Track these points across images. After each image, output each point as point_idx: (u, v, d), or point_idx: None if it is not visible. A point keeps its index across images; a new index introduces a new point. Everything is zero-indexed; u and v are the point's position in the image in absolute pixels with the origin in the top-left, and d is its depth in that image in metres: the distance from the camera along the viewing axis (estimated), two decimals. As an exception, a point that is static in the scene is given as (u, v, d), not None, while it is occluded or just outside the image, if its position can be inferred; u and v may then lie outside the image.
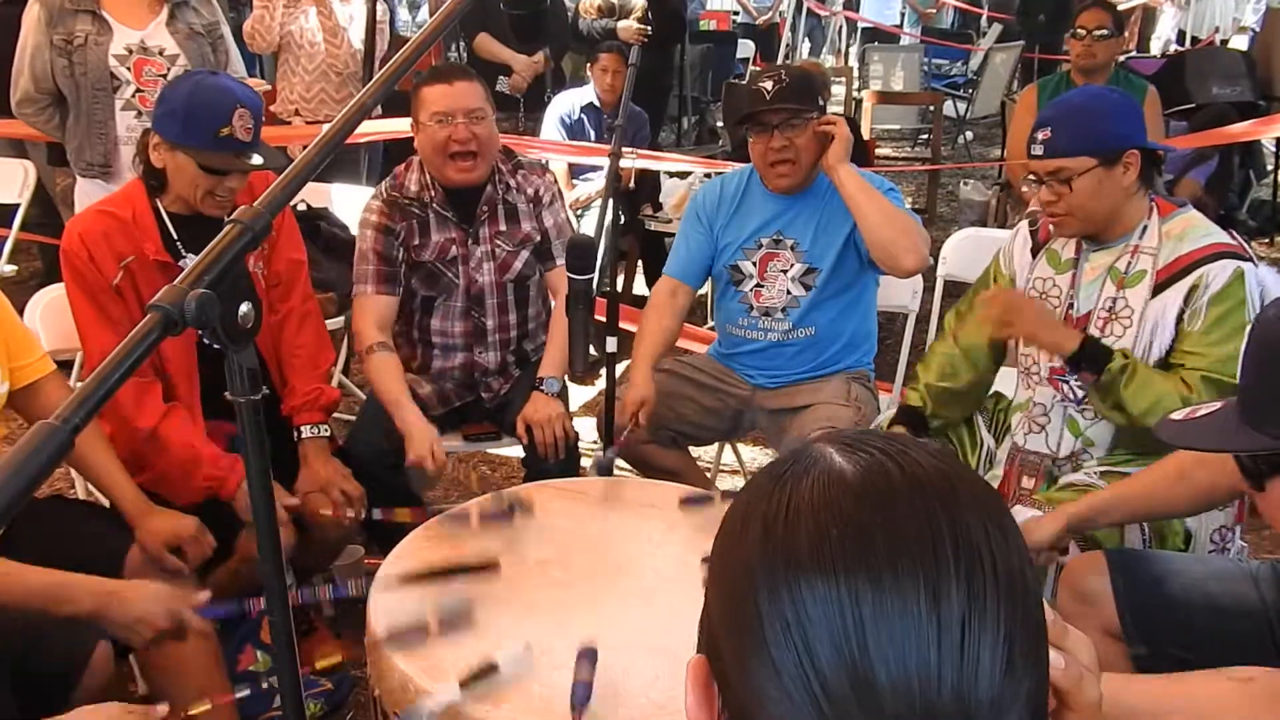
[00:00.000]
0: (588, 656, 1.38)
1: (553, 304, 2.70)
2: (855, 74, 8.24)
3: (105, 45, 2.99)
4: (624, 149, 2.38)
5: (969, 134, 8.51)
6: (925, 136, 7.98)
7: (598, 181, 4.38)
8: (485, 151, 2.48)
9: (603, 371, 2.35)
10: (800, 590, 0.56)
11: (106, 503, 2.07)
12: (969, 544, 0.57)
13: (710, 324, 3.63)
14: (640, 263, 4.89)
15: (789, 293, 2.59)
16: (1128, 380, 1.95)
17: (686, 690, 0.63)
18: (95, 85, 3.01)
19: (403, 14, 5.69)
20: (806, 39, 10.11)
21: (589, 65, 4.76)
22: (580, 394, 3.91)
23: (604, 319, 2.26)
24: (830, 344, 2.63)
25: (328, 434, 2.31)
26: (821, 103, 2.60)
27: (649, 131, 5.02)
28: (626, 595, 1.65)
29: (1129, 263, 2.04)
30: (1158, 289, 1.99)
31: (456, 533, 1.85)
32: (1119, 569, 1.78)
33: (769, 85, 2.45)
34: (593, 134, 4.56)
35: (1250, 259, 1.95)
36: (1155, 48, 9.64)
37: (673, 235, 2.98)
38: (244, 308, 0.85)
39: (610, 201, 2.25)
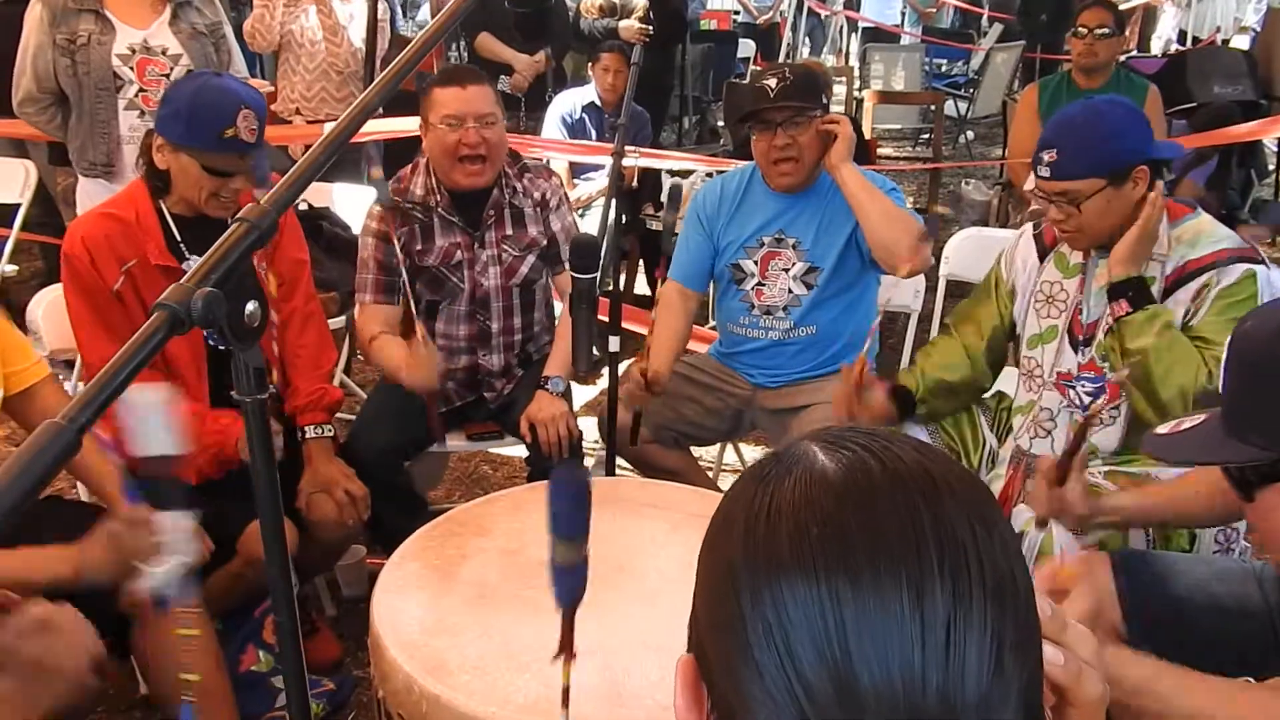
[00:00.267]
0: (570, 529, 1.02)
1: (557, 307, 2.70)
2: (856, 73, 8.23)
3: (108, 45, 2.99)
4: (626, 148, 2.38)
5: (970, 133, 8.51)
6: (926, 136, 7.97)
7: (599, 181, 4.37)
8: (494, 157, 2.48)
9: (605, 371, 2.34)
10: (781, 591, 0.55)
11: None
12: (953, 541, 0.55)
13: (711, 323, 3.62)
14: (641, 262, 4.89)
15: (790, 291, 2.59)
16: (1163, 329, 1.89)
17: (676, 690, 0.62)
18: (98, 85, 3.00)
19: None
20: (807, 38, 10.10)
21: (590, 65, 4.76)
22: (583, 393, 3.91)
23: (606, 318, 2.26)
24: (831, 343, 2.62)
25: (331, 434, 2.31)
26: (825, 101, 2.60)
27: (651, 131, 5.02)
28: (629, 596, 1.65)
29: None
30: (1166, 293, 1.98)
31: (458, 533, 1.85)
32: (1123, 569, 1.78)
33: (773, 83, 2.45)
34: (594, 133, 4.56)
35: (1263, 261, 1.94)
36: (1156, 47, 9.63)
37: (674, 235, 2.97)
38: (250, 306, 0.85)
39: (613, 201, 2.25)
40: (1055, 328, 2.16)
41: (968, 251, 3.00)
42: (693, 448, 2.84)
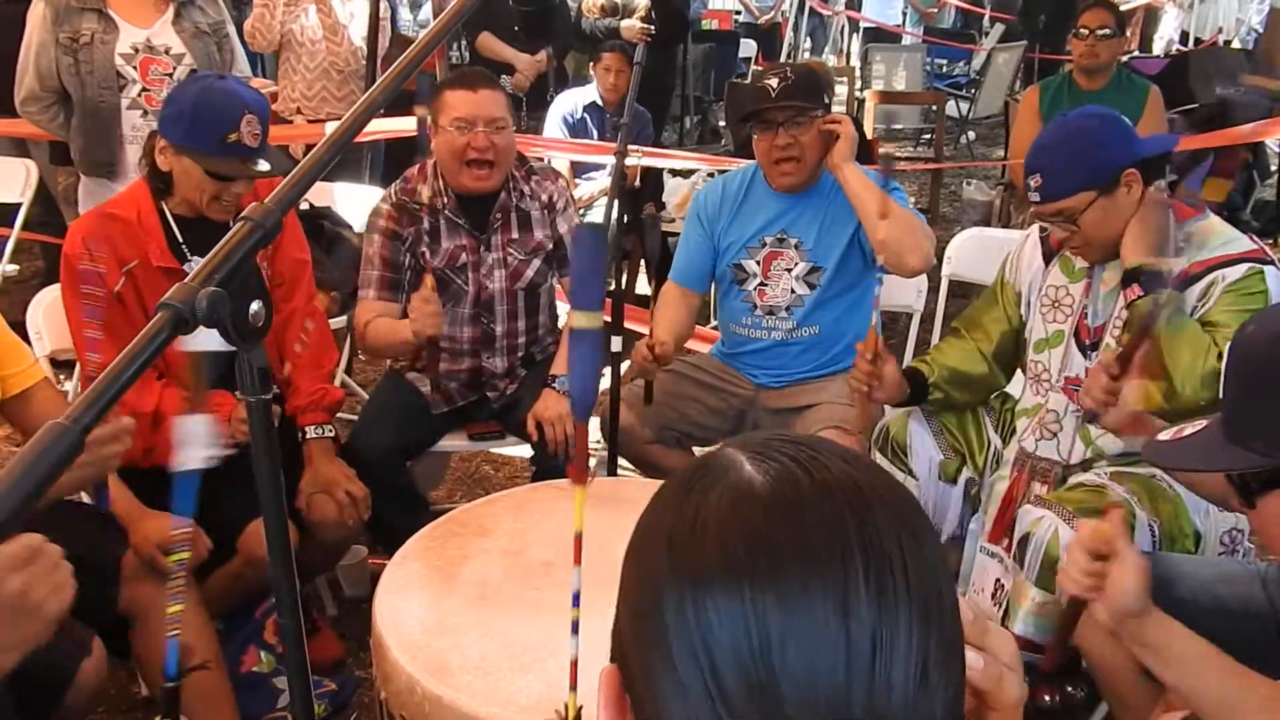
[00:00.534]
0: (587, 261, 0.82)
1: (561, 310, 2.69)
2: (857, 73, 8.22)
3: (111, 44, 2.99)
4: (628, 147, 2.37)
5: (971, 134, 8.51)
6: (928, 136, 7.97)
7: (600, 180, 4.37)
8: (502, 161, 2.47)
9: (607, 371, 2.34)
10: (706, 605, 0.54)
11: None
12: (880, 552, 0.54)
13: (713, 324, 3.62)
14: (643, 262, 4.89)
15: (793, 291, 2.58)
16: (1173, 314, 1.88)
17: (599, 702, 0.61)
18: (101, 84, 3.00)
19: (404, 13, 5.68)
20: (809, 38, 10.10)
21: (591, 64, 4.76)
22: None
23: (609, 318, 2.25)
24: (834, 343, 2.62)
25: (332, 434, 2.31)
26: (827, 101, 2.59)
27: (652, 130, 5.02)
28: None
29: None
30: None
31: (460, 533, 1.85)
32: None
33: (774, 83, 2.45)
34: (595, 133, 4.55)
35: (1272, 261, 1.93)
36: (1158, 48, 9.62)
37: (676, 235, 2.97)
38: (255, 306, 0.85)
39: (615, 200, 2.25)
40: (1061, 332, 2.16)
41: (970, 252, 3.00)
42: (695, 448, 2.83)
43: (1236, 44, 8.58)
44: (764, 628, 0.53)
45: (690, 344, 3.09)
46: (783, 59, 8.97)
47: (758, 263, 2.60)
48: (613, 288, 2.36)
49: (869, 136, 5.40)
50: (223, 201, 2.12)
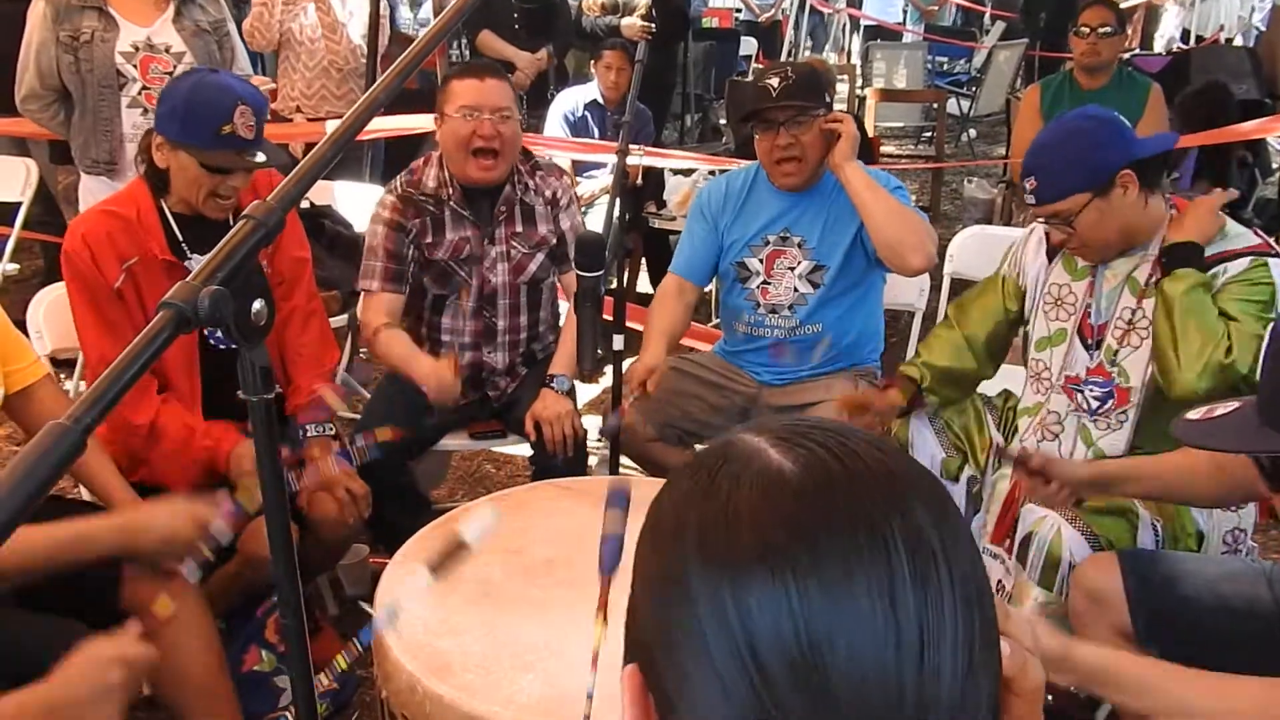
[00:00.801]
0: (618, 502, 1.11)
1: (562, 307, 2.69)
2: (858, 71, 8.22)
3: (111, 42, 2.98)
4: (630, 146, 2.37)
5: (972, 132, 8.50)
6: (929, 134, 7.96)
7: (601, 179, 4.37)
8: (507, 151, 2.47)
9: (608, 369, 2.34)
10: (745, 598, 0.53)
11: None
12: (921, 540, 0.54)
13: (715, 321, 3.61)
14: (644, 260, 4.89)
15: (796, 290, 2.58)
16: (1193, 288, 1.87)
17: (624, 705, 0.59)
18: (101, 82, 3.00)
19: (404, 11, 5.68)
20: (809, 36, 10.09)
21: (592, 62, 4.76)
22: (586, 392, 3.90)
23: (610, 317, 2.25)
24: (837, 342, 2.61)
25: (333, 433, 2.30)
26: (828, 100, 2.59)
27: (653, 128, 5.02)
28: (634, 595, 1.64)
29: (1148, 273, 2.02)
30: None
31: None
32: (1131, 570, 1.77)
33: (775, 82, 2.44)
34: (596, 131, 4.55)
35: (1277, 254, 1.92)
36: (1159, 45, 9.61)
37: (677, 233, 2.97)
38: (257, 304, 0.84)
39: (617, 199, 2.24)
40: (1064, 330, 2.15)
41: (972, 250, 3.00)
42: (697, 446, 2.83)
43: (1238, 42, 8.56)
44: (809, 617, 0.52)
45: (693, 342, 3.09)
46: (783, 57, 8.97)
47: (761, 261, 2.60)
48: (613, 286, 2.36)
49: (870, 135, 5.40)
50: (219, 197, 2.12)
